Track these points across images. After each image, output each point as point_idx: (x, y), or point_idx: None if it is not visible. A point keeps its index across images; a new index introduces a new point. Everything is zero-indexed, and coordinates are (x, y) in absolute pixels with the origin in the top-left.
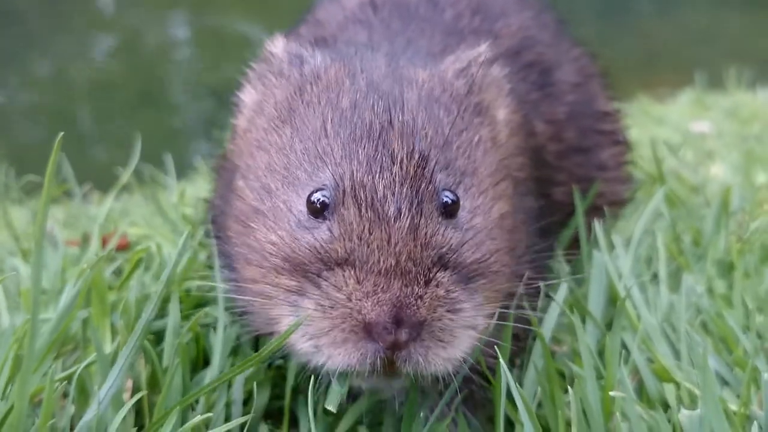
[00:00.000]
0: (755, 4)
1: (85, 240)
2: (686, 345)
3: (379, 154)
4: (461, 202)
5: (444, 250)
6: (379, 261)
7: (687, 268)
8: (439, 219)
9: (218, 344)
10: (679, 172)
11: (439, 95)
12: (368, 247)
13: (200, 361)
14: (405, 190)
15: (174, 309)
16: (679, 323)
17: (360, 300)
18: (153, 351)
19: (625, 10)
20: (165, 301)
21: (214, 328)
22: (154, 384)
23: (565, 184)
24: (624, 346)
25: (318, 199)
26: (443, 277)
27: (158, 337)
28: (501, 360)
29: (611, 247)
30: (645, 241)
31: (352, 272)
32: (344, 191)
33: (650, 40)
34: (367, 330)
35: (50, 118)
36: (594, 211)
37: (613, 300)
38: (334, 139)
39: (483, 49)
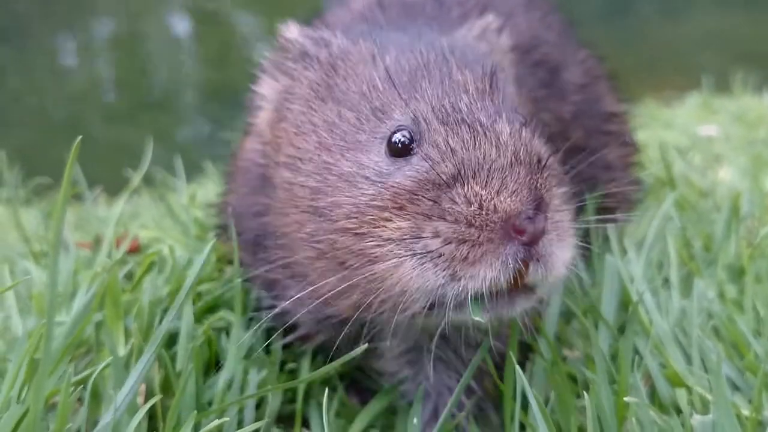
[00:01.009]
0: (762, 7)
1: (96, 242)
2: (698, 350)
3: (447, 82)
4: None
5: (540, 155)
6: (496, 159)
7: (698, 273)
8: (525, 128)
9: (232, 348)
10: (688, 175)
11: (469, 52)
12: (479, 151)
13: (212, 363)
14: (487, 102)
15: (187, 313)
16: (691, 328)
17: (492, 200)
18: (167, 355)
19: (631, 12)
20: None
21: (226, 332)
22: (167, 387)
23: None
24: (636, 350)
25: (399, 140)
26: (546, 172)
27: (171, 339)
28: (513, 359)
29: (623, 251)
30: (656, 246)
31: (473, 181)
32: (427, 120)
33: (656, 42)
34: (507, 227)
35: (56, 119)
36: (602, 211)
37: (625, 304)
38: (390, 91)
39: (492, 18)
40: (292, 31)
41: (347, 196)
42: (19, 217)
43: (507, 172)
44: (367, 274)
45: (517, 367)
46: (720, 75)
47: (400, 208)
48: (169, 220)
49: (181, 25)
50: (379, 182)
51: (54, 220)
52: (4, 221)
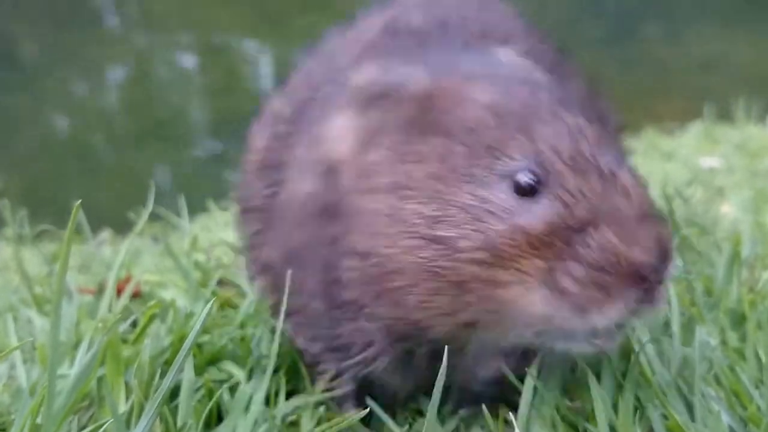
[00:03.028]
0: (765, 32)
1: (100, 290)
2: (700, 400)
3: (561, 126)
4: None
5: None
6: (627, 209)
7: (700, 319)
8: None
9: (236, 402)
10: (689, 214)
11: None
12: (611, 199)
13: (213, 417)
14: (605, 149)
15: (188, 369)
16: (693, 378)
17: (625, 250)
18: (167, 409)
19: (634, 36)
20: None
21: (227, 383)
22: None
23: None
24: (638, 400)
25: (526, 181)
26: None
27: (171, 391)
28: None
29: None
30: None
31: (607, 229)
32: (551, 163)
33: (659, 67)
34: (634, 276)
35: (60, 149)
36: None
37: (626, 352)
38: (502, 129)
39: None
40: (369, 70)
41: (474, 230)
42: (22, 263)
43: (637, 224)
44: (491, 298)
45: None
46: (723, 100)
47: (534, 248)
48: (170, 262)
49: (187, 57)
50: (509, 220)
51: (54, 289)
52: (9, 261)
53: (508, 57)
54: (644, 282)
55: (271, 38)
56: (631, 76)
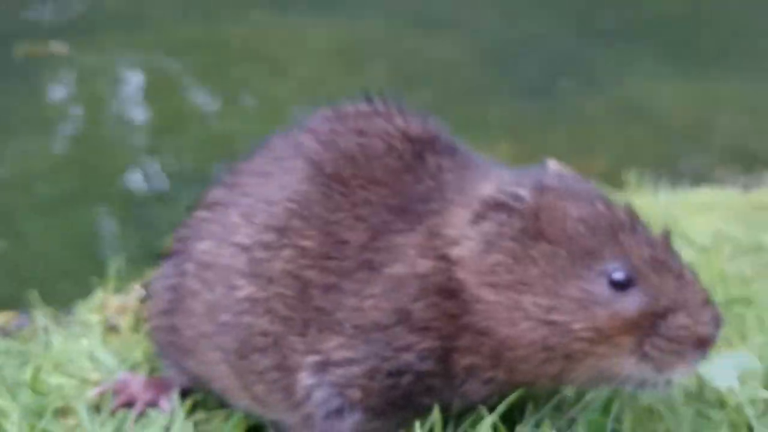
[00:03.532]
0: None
1: None
2: None
3: (639, 236)
4: None
5: None
6: (696, 299)
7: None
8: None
9: None
10: None
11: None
12: (683, 293)
13: None
14: (675, 255)
15: None
16: None
17: (696, 326)
18: None
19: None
20: None
21: None
22: None
23: None
24: None
25: (619, 279)
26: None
27: None
28: None
29: None
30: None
31: (683, 312)
32: (637, 265)
33: (580, 120)
34: (700, 344)
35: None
36: None
37: None
38: (596, 237)
39: None
40: (489, 188)
41: (584, 315)
42: None
43: (702, 308)
44: (591, 365)
45: None
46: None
47: (628, 328)
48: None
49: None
50: (609, 307)
51: None
52: None
53: (557, 168)
54: (706, 346)
55: (211, 87)
56: (553, 130)
